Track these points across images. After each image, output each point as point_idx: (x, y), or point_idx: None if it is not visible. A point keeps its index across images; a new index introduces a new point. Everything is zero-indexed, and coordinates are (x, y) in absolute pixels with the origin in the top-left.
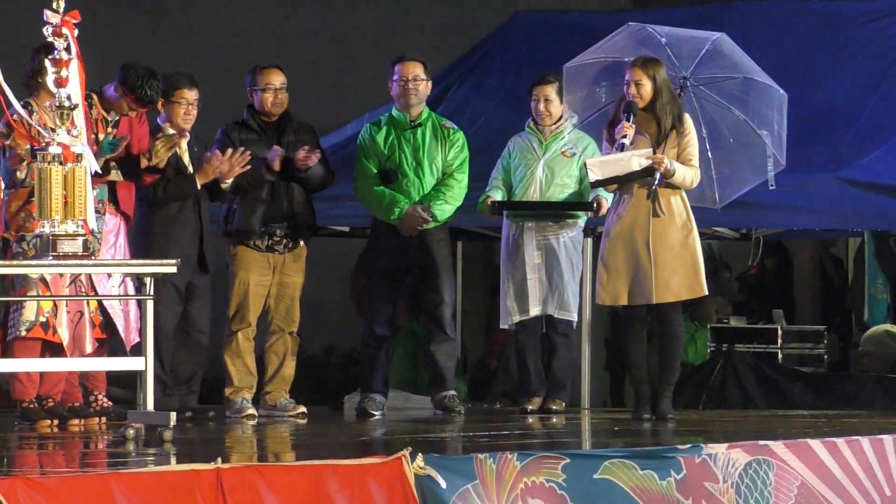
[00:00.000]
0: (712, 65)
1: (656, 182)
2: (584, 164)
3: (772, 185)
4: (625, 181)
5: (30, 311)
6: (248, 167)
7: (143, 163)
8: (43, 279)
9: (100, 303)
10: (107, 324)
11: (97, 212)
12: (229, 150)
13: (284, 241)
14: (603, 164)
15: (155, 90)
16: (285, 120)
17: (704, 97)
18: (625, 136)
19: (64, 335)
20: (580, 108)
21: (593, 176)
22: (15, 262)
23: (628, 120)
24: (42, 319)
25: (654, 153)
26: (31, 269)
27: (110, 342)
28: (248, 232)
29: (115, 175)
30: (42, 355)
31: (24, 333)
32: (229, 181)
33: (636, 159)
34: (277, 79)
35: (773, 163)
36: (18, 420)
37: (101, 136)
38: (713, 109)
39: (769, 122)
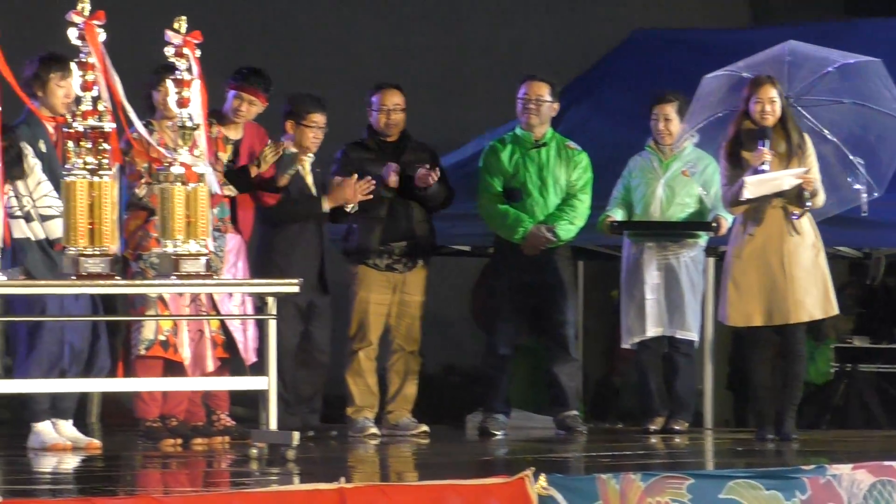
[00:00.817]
0: (824, 89)
1: (808, 202)
2: (744, 181)
3: (864, 212)
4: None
5: (149, 331)
6: (371, 196)
7: (254, 171)
8: (162, 298)
9: (221, 322)
10: (228, 343)
11: (218, 230)
12: (355, 177)
13: (404, 259)
14: (760, 184)
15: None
16: (404, 139)
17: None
18: (764, 163)
19: (185, 354)
20: (691, 114)
21: (746, 194)
22: (139, 283)
23: (764, 144)
24: (161, 338)
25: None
26: (156, 289)
27: (231, 361)
28: (366, 251)
29: (229, 190)
30: (164, 375)
31: (143, 352)
32: (353, 206)
33: (789, 179)
34: (392, 99)
35: (867, 188)
36: (142, 439)
37: (221, 154)
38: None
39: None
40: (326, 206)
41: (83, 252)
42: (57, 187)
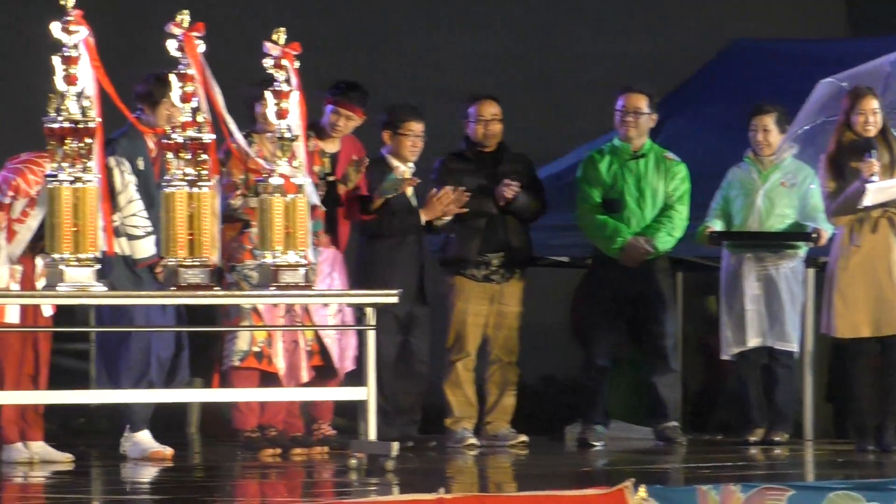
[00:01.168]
0: None
1: None
2: (865, 188)
3: None
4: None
5: (243, 342)
6: (466, 210)
7: (341, 189)
8: (256, 309)
9: (315, 332)
10: (323, 353)
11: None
12: (448, 189)
13: (501, 270)
14: (880, 191)
15: (363, 91)
16: (501, 150)
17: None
18: (873, 175)
19: (280, 365)
20: (795, 120)
21: (867, 201)
22: (239, 293)
23: (871, 156)
24: (255, 349)
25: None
26: (256, 299)
27: (325, 371)
28: (464, 262)
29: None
30: (259, 385)
31: (237, 363)
32: (446, 219)
33: None
34: (490, 110)
35: None
36: (241, 449)
37: (317, 168)
38: None
39: None
40: (424, 218)
41: (182, 262)
42: (149, 205)
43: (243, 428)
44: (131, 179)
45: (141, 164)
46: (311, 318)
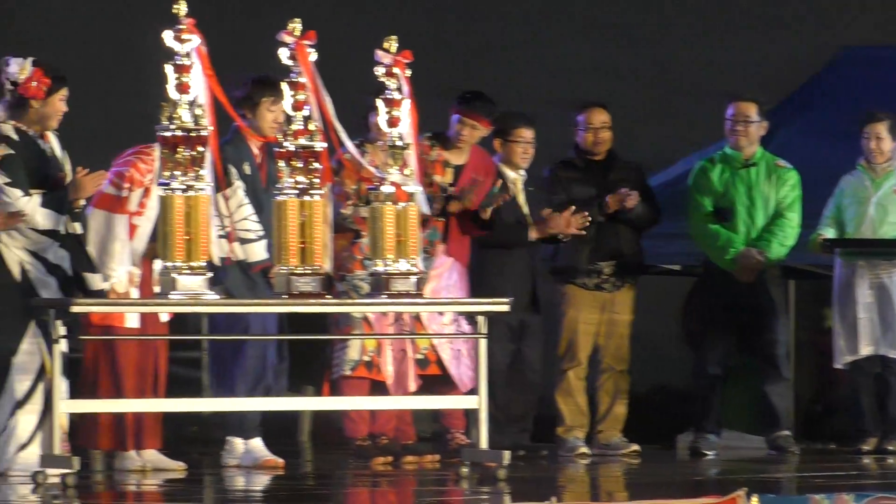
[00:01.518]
0: None
1: None
2: None
3: None
4: None
5: (354, 351)
6: (584, 234)
7: (453, 206)
8: (366, 319)
9: (431, 342)
10: (440, 362)
11: (426, 252)
12: (571, 209)
13: (612, 279)
14: None
15: (489, 102)
16: (611, 158)
17: None
18: None
19: (388, 373)
20: None
21: None
22: (351, 301)
23: None
24: (366, 359)
25: None
26: (368, 308)
27: (443, 380)
28: (575, 270)
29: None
30: (371, 393)
31: (348, 372)
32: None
33: None
34: (599, 118)
35: None
36: (352, 458)
37: (438, 178)
38: None
39: None
40: (533, 235)
41: (294, 271)
42: (258, 210)
43: (354, 436)
44: (239, 184)
45: (247, 168)
46: (424, 327)
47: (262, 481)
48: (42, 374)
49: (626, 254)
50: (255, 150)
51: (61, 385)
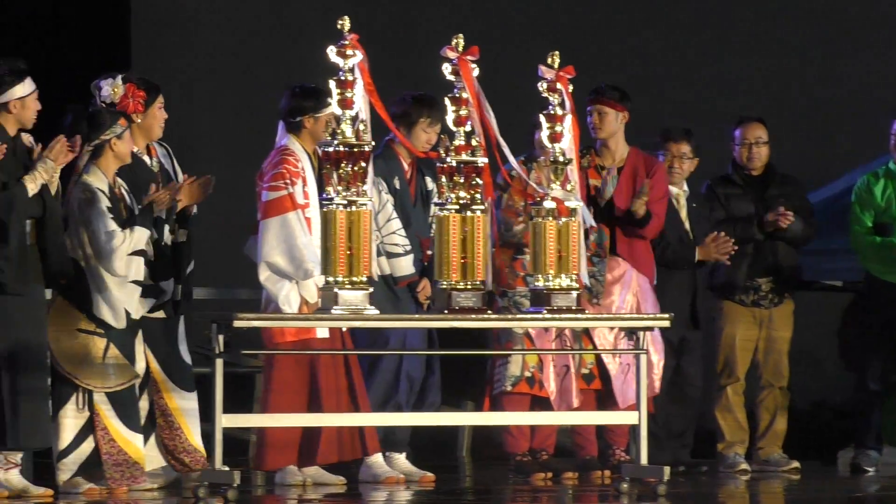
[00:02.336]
0: None
1: None
2: None
3: None
4: None
5: (515, 367)
6: (728, 261)
7: (637, 211)
8: (528, 334)
9: (597, 356)
10: (605, 377)
11: (598, 255)
12: (728, 242)
13: (770, 295)
14: None
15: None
16: (769, 173)
17: None
18: None
19: (550, 389)
20: None
21: None
22: (511, 317)
23: None
24: (527, 374)
25: None
26: (528, 323)
27: (606, 395)
28: (733, 287)
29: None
30: (531, 409)
31: (509, 388)
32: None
33: None
34: (755, 133)
35: None
36: (512, 473)
37: (592, 182)
38: None
39: None
40: (699, 256)
41: (455, 286)
42: (406, 225)
43: (515, 451)
44: (388, 199)
45: (397, 183)
46: (591, 340)
47: (421, 496)
48: (156, 388)
49: (784, 270)
50: (406, 166)
51: (219, 400)
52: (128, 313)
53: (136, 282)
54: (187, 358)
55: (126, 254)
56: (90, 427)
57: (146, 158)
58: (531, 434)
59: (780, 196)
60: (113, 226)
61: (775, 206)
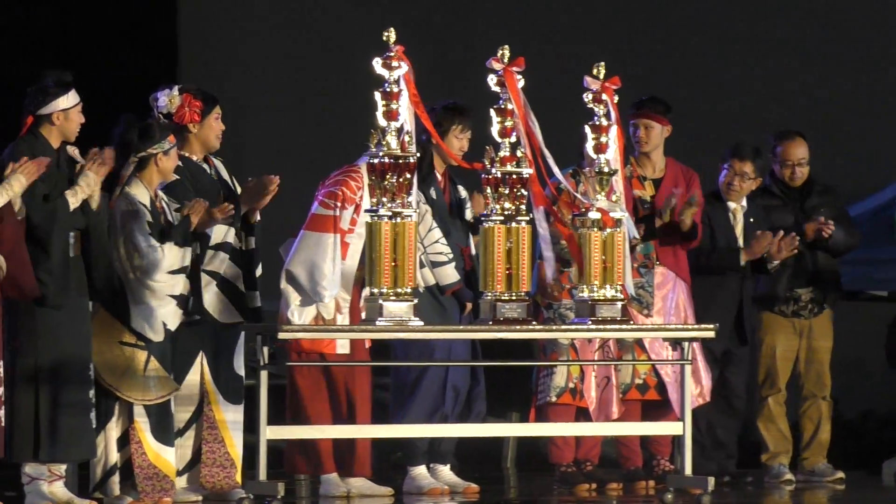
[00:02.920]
0: None
1: None
2: None
3: None
4: None
5: (560, 377)
6: (795, 252)
7: (658, 222)
8: (573, 345)
9: (653, 366)
10: (661, 386)
11: (645, 266)
12: (780, 234)
13: (810, 305)
14: None
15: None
16: (809, 184)
17: None
18: None
19: (590, 399)
20: None
21: None
22: (554, 328)
23: None
24: (571, 385)
25: None
26: (571, 333)
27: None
28: (773, 298)
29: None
30: (576, 420)
31: (553, 399)
32: (776, 262)
33: None
34: (796, 154)
35: None
36: (557, 484)
37: (637, 193)
38: None
39: None
40: (744, 259)
41: (500, 297)
42: (446, 234)
43: (560, 462)
44: (427, 209)
45: (433, 193)
46: (645, 351)
47: None
48: (207, 400)
49: (825, 279)
50: (439, 176)
51: (263, 412)
52: (165, 326)
53: (172, 295)
54: (240, 370)
55: (166, 270)
56: (126, 439)
57: (206, 167)
58: (576, 445)
59: (820, 206)
60: (153, 241)
61: (816, 217)
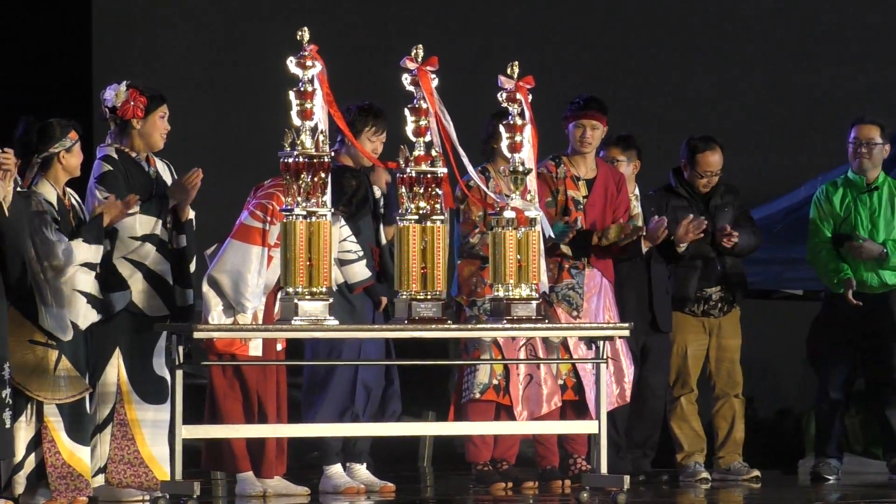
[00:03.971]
0: None
1: None
2: None
3: None
4: None
5: (483, 374)
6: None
7: (594, 239)
8: (496, 343)
9: (573, 366)
10: (579, 387)
11: (575, 267)
12: (689, 217)
13: (720, 304)
14: None
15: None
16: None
17: None
18: None
19: (515, 398)
20: None
21: None
22: (469, 327)
23: None
24: (495, 382)
25: None
26: (485, 333)
27: (579, 405)
28: (683, 299)
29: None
30: (496, 418)
31: (477, 396)
32: (684, 246)
33: None
34: (713, 163)
35: None
36: (473, 483)
37: (571, 193)
38: None
39: None
40: (645, 246)
41: (415, 297)
42: (356, 233)
43: (476, 461)
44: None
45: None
46: (568, 350)
47: None
48: (119, 398)
49: (733, 279)
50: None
51: (178, 411)
52: (75, 325)
53: (82, 292)
54: (160, 370)
55: (71, 266)
56: (38, 439)
57: (144, 165)
58: (494, 444)
59: (723, 206)
60: (57, 237)
61: (720, 218)
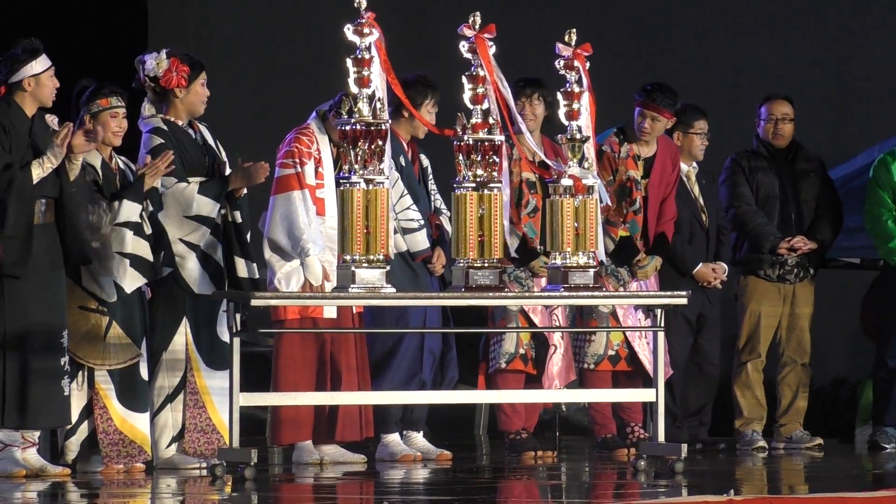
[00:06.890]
0: None
1: None
2: None
3: None
4: None
5: (510, 343)
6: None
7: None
8: (523, 312)
9: (625, 335)
10: (632, 356)
11: None
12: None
13: (796, 270)
14: None
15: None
16: (795, 148)
17: None
18: None
19: (539, 367)
20: None
21: None
22: (527, 294)
23: None
24: (521, 352)
25: None
26: (548, 301)
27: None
28: (758, 261)
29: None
30: (525, 387)
31: (503, 365)
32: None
33: None
34: (781, 109)
35: None
36: (507, 451)
37: (632, 174)
38: None
39: None
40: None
41: (473, 264)
42: (416, 200)
43: (508, 429)
44: (397, 176)
45: (402, 161)
46: (618, 320)
47: (438, 474)
48: (189, 368)
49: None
50: (405, 145)
51: (236, 379)
52: (119, 287)
53: (123, 254)
54: (224, 337)
55: (109, 225)
56: (91, 406)
57: (191, 132)
58: (526, 412)
59: (807, 171)
60: (97, 198)
61: (803, 182)
